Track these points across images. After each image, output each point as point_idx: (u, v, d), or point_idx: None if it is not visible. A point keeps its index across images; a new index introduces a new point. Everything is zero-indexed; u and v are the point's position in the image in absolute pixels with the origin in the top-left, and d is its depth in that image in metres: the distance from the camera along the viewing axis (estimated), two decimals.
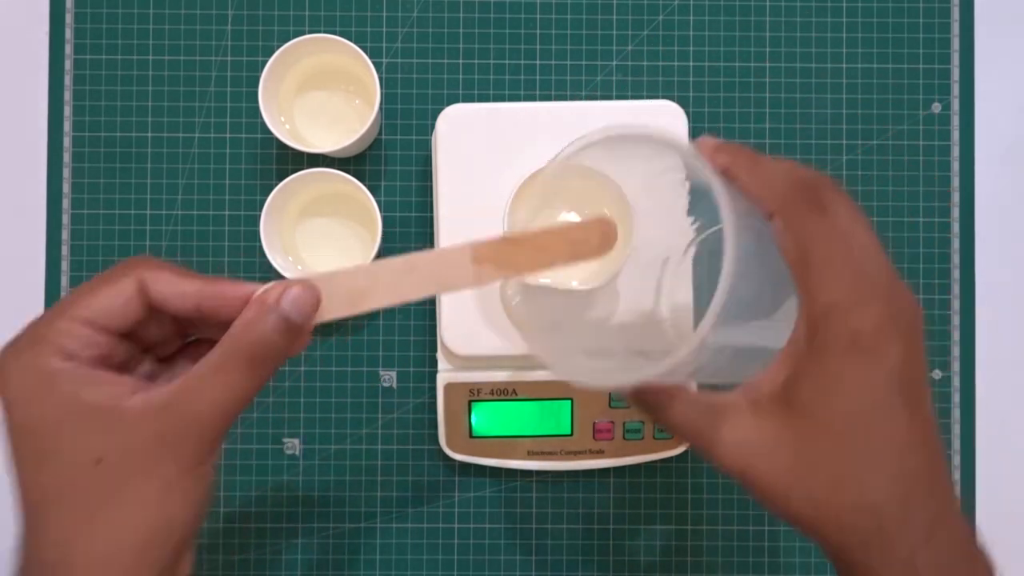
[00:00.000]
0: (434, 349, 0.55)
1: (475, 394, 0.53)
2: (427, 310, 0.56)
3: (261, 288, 0.33)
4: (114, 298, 0.32)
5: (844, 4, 0.57)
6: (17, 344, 0.34)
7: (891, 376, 0.30)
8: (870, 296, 0.29)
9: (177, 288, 0.33)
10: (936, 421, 0.32)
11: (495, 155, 0.52)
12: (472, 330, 0.52)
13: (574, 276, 0.50)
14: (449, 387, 0.53)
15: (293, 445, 0.56)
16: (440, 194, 0.52)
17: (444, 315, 0.52)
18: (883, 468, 0.30)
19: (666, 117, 0.52)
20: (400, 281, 0.33)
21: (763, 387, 0.31)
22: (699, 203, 0.39)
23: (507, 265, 0.33)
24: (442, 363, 0.54)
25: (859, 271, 0.30)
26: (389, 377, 0.56)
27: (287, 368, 0.56)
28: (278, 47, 0.51)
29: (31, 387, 0.32)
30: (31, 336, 0.34)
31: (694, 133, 0.56)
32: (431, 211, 0.55)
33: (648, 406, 0.33)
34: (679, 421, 0.32)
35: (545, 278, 0.47)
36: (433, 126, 0.54)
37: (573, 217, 0.50)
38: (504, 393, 0.53)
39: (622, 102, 0.54)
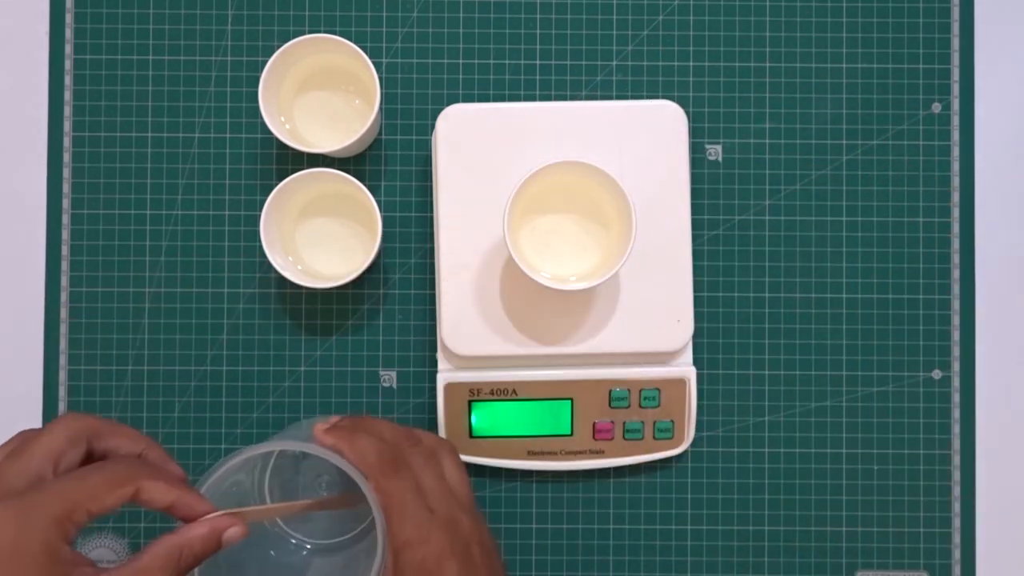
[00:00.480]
0: (434, 349, 0.55)
1: (475, 394, 0.53)
2: (427, 310, 0.56)
3: (213, 514, 0.39)
4: (114, 503, 0.38)
5: (844, 4, 0.57)
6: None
7: None
8: (431, 531, 0.41)
9: (164, 497, 0.39)
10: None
11: (495, 155, 0.52)
12: (472, 330, 0.52)
13: (573, 274, 0.50)
14: (449, 387, 0.53)
15: None
16: (440, 194, 0.52)
17: (444, 315, 0.52)
18: None
19: (666, 117, 0.52)
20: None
21: None
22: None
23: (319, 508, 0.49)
24: (442, 363, 0.54)
25: (423, 514, 0.41)
26: (389, 377, 0.56)
27: (287, 368, 0.56)
28: (278, 47, 0.51)
29: None
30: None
31: (694, 133, 0.56)
32: (431, 211, 0.55)
33: None
34: None
35: (546, 276, 0.48)
36: (433, 126, 0.54)
37: (567, 219, 0.51)
38: (504, 393, 0.53)
39: (622, 102, 0.54)
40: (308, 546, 0.54)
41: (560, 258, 0.51)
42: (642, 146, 0.52)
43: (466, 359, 0.53)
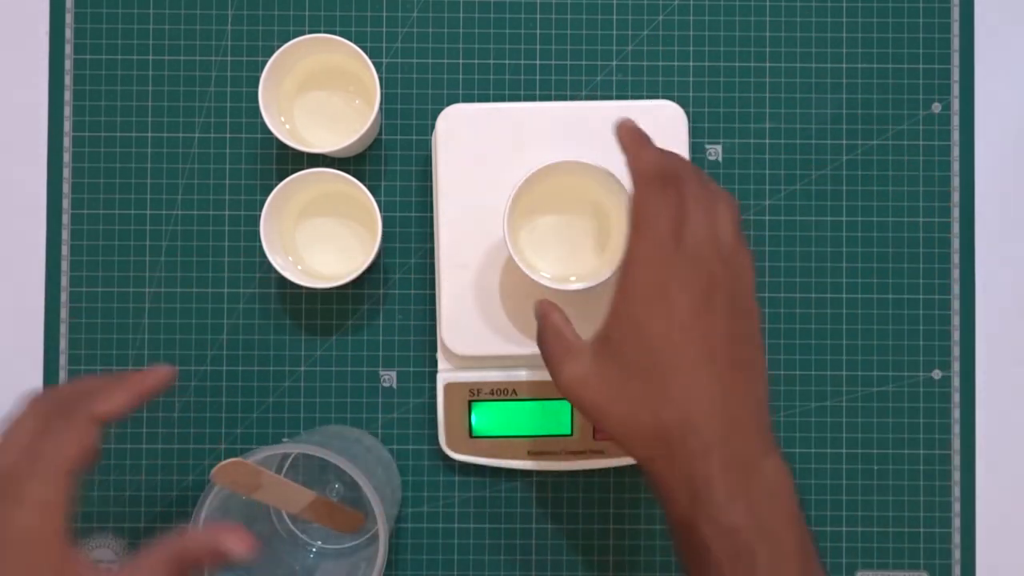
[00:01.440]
0: (434, 349, 0.55)
1: (475, 394, 0.53)
2: (427, 310, 0.56)
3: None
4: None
5: (844, 4, 0.57)
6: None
7: (679, 318, 0.37)
8: (670, 257, 0.38)
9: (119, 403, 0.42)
10: (752, 351, 0.40)
11: (495, 155, 0.52)
12: (472, 330, 0.52)
13: (573, 273, 0.50)
14: (449, 387, 0.53)
15: None
16: (440, 194, 0.52)
17: (444, 315, 0.52)
18: (669, 394, 0.37)
19: (666, 117, 0.52)
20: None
21: (599, 333, 0.39)
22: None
23: (324, 517, 0.50)
24: (442, 363, 0.54)
25: (668, 239, 0.38)
26: (389, 377, 0.56)
27: (287, 368, 0.56)
28: (278, 47, 0.51)
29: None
30: None
31: (694, 133, 0.56)
32: (431, 211, 0.55)
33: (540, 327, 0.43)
34: (543, 347, 0.42)
35: (546, 276, 0.48)
36: (433, 126, 0.54)
37: (567, 219, 0.51)
38: (504, 393, 0.53)
39: (622, 102, 0.54)
40: (315, 549, 0.54)
41: (560, 258, 0.51)
42: None
43: (466, 359, 0.53)
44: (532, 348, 0.51)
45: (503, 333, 0.52)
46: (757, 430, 0.39)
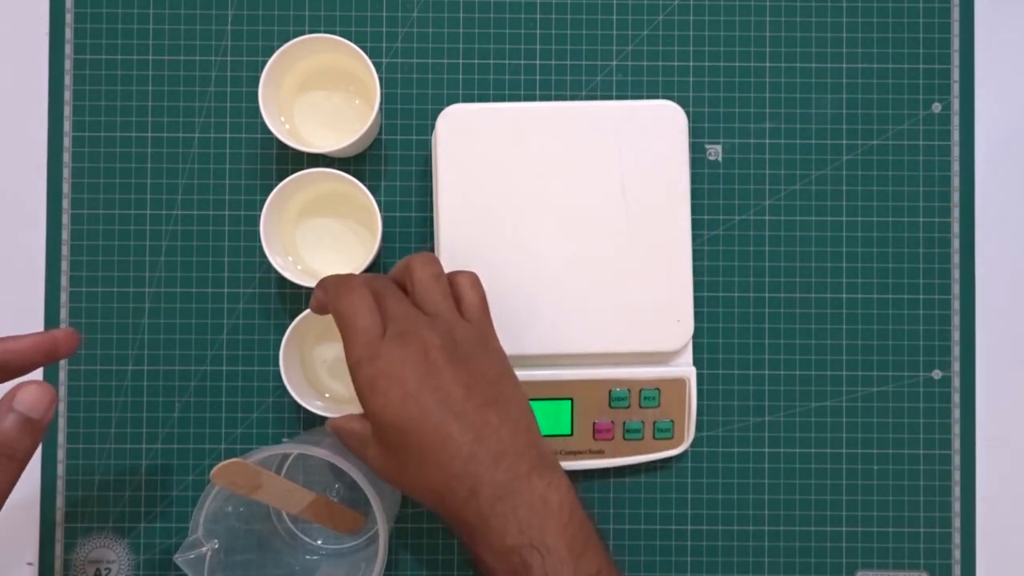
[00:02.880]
0: None
1: None
2: None
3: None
4: None
5: (844, 4, 0.57)
6: None
7: (407, 393, 0.41)
8: (380, 348, 0.41)
9: None
10: (499, 385, 0.44)
11: (495, 155, 0.52)
12: None
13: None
14: None
15: None
16: (440, 194, 0.52)
17: None
18: (430, 462, 0.41)
19: (666, 117, 0.52)
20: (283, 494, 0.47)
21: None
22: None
23: (324, 517, 0.51)
24: None
25: (372, 332, 0.42)
26: None
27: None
28: (278, 47, 0.51)
29: None
30: None
31: (694, 133, 0.56)
32: (431, 211, 0.55)
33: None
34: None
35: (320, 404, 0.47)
36: (433, 126, 0.54)
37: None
38: None
39: (622, 102, 0.54)
40: (315, 549, 0.54)
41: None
42: (642, 146, 0.52)
43: None
44: (531, 348, 0.51)
45: (503, 333, 0.52)
46: (522, 453, 0.42)
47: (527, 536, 0.40)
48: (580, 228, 0.52)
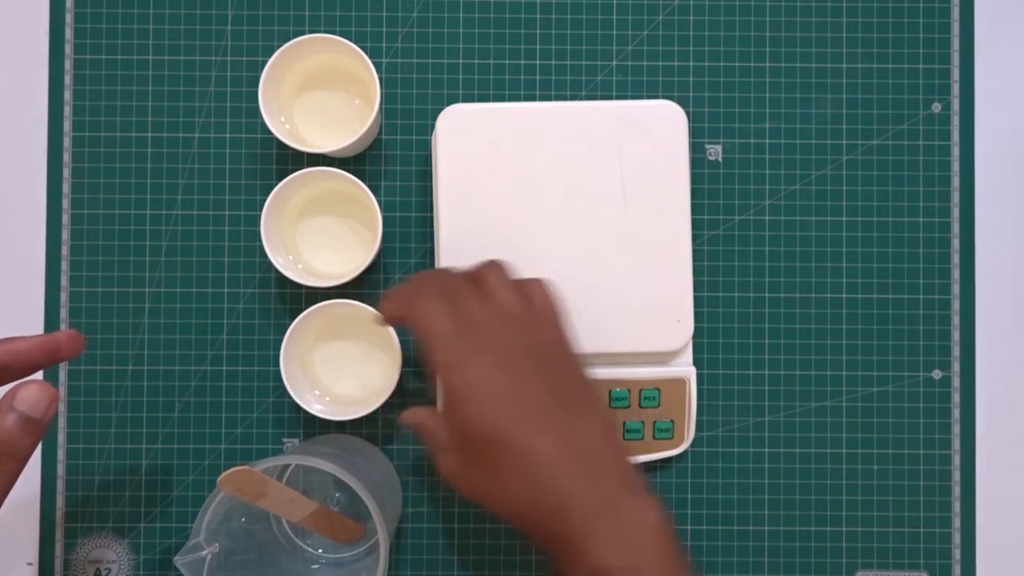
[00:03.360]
0: None
1: None
2: None
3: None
4: None
5: (844, 4, 0.57)
6: None
7: (494, 399, 0.39)
8: (466, 354, 0.40)
9: None
10: (584, 396, 0.42)
11: (495, 155, 0.52)
12: None
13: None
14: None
15: (293, 445, 0.56)
16: (440, 194, 0.52)
17: None
18: (519, 472, 0.39)
19: (666, 117, 0.52)
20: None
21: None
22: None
23: (325, 527, 0.50)
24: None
25: (456, 337, 0.41)
26: None
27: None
28: (278, 47, 0.51)
29: None
30: None
31: (694, 133, 0.56)
32: (431, 211, 0.55)
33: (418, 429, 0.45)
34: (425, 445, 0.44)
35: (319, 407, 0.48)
36: (433, 126, 0.54)
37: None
38: None
39: (622, 102, 0.54)
40: (315, 558, 0.54)
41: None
42: (642, 146, 0.52)
43: None
44: None
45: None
46: (614, 473, 0.40)
47: (625, 560, 0.38)
48: (580, 228, 0.52)
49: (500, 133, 0.52)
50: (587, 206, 0.52)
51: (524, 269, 0.51)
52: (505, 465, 0.39)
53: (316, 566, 0.54)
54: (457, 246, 0.52)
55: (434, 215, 0.53)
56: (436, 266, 0.53)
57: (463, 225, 0.52)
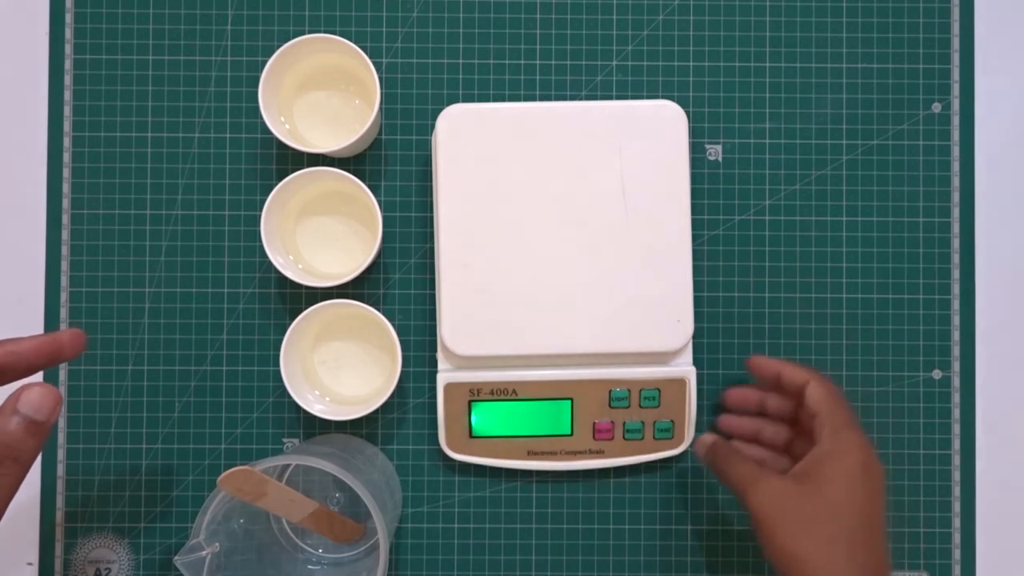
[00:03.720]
0: (434, 349, 0.55)
1: (475, 394, 0.53)
2: (427, 310, 0.56)
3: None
4: None
5: (844, 4, 0.57)
6: None
7: (860, 498, 0.45)
8: (865, 455, 0.47)
9: None
10: (883, 550, 0.45)
11: (495, 155, 0.52)
12: (472, 330, 0.52)
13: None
14: (449, 387, 0.53)
15: (293, 445, 0.56)
16: (440, 194, 0.52)
17: (444, 315, 0.52)
18: (837, 538, 0.44)
19: (666, 117, 0.52)
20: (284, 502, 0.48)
21: (795, 468, 0.47)
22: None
23: (325, 528, 0.51)
24: (442, 363, 0.54)
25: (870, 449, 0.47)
26: None
27: None
28: (278, 47, 0.51)
29: None
30: None
31: (694, 133, 0.56)
32: (431, 211, 0.55)
33: (716, 462, 0.50)
34: (726, 468, 0.49)
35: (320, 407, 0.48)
36: (433, 126, 0.54)
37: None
38: (504, 393, 0.53)
39: (622, 102, 0.54)
40: (314, 558, 0.54)
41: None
42: (642, 146, 0.52)
43: (466, 359, 0.53)
44: (532, 348, 0.51)
45: (503, 333, 0.52)
46: None
47: None
48: (580, 227, 0.52)
49: (500, 133, 0.52)
50: (587, 206, 0.52)
51: (524, 269, 0.51)
52: (846, 545, 0.45)
53: (316, 566, 0.54)
54: (457, 245, 0.52)
55: (434, 215, 0.53)
56: (437, 265, 0.53)
57: (463, 225, 0.52)
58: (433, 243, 0.54)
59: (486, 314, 0.52)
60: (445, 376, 0.53)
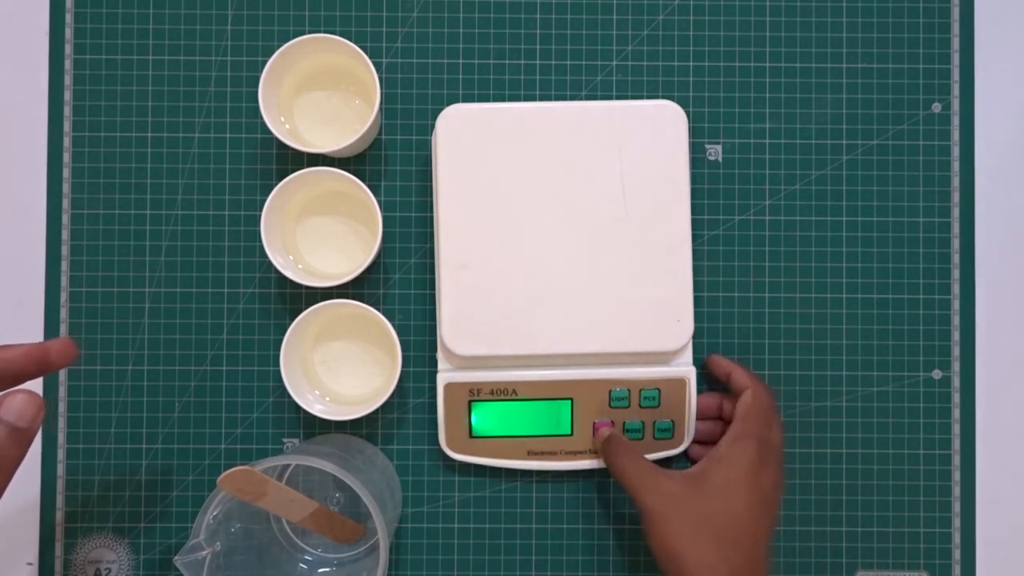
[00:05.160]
0: (434, 349, 0.55)
1: (475, 394, 0.53)
2: (427, 310, 0.56)
3: None
4: None
5: (844, 4, 0.57)
6: None
7: (740, 506, 0.47)
8: (776, 468, 0.50)
9: None
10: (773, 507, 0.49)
11: (495, 155, 0.52)
12: (472, 330, 0.52)
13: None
14: (449, 387, 0.53)
15: (293, 445, 0.56)
16: (440, 194, 0.52)
17: (444, 315, 0.52)
18: (732, 545, 0.46)
19: (666, 117, 0.52)
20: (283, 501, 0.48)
21: (689, 469, 0.50)
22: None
23: (325, 528, 0.51)
24: (442, 363, 0.54)
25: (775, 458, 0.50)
26: None
27: None
28: (278, 47, 0.51)
29: None
30: None
31: (695, 133, 0.56)
32: (431, 211, 0.55)
33: (608, 454, 0.51)
34: (618, 461, 0.50)
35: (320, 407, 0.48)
36: (433, 126, 0.54)
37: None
38: (504, 393, 0.53)
39: (622, 102, 0.54)
40: (314, 558, 0.54)
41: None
42: (642, 146, 0.52)
43: (466, 359, 0.53)
44: (532, 348, 0.51)
45: (503, 333, 0.52)
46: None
47: None
48: (580, 228, 0.52)
49: (499, 133, 0.52)
50: (587, 205, 0.52)
51: (524, 269, 0.51)
52: (732, 539, 0.47)
53: (316, 566, 0.54)
54: (457, 246, 0.52)
55: (434, 215, 0.53)
56: (437, 266, 0.53)
57: (463, 225, 0.52)
58: (433, 243, 0.54)
59: (486, 314, 0.52)
60: (445, 376, 0.53)
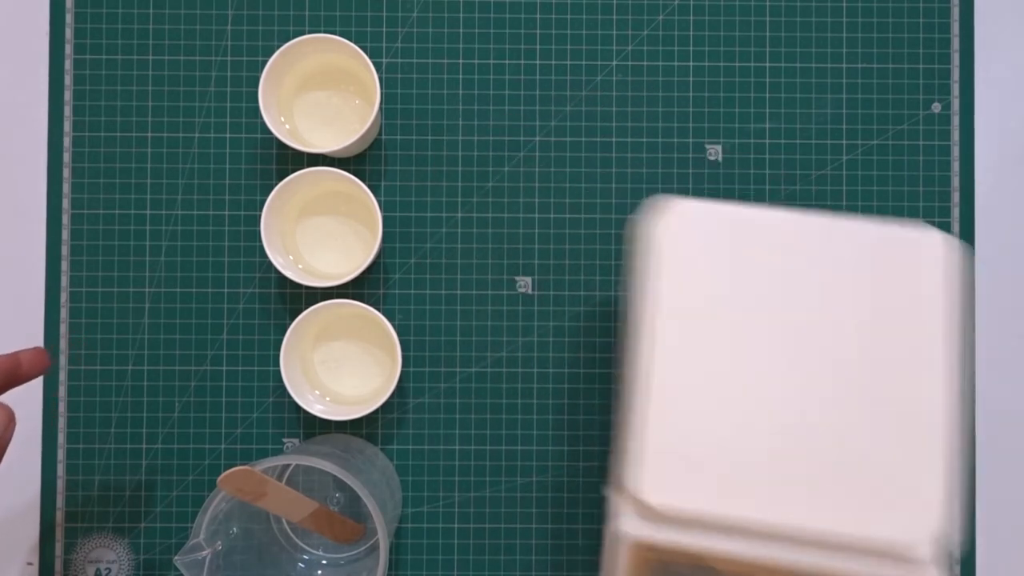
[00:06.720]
0: (434, 349, 0.55)
1: (667, 565, 0.40)
2: (427, 310, 0.56)
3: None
4: None
5: (844, 4, 0.57)
6: None
7: None
8: None
9: None
10: None
11: (724, 265, 0.42)
12: (683, 476, 0.39)
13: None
14: (636, 548, 0.39)
15: (293, 445, 0.56)
16: (661, 304, 0.41)
17: (648, 451, 0.39)
18: None
19: (930, 248, 0.41)
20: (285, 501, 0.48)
21: None
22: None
23: (325, 528, 0.51)
24: (623, 510, 0.40)
25: None
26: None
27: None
28: (278, 47, 0.51)
29: None
30: None
31: (694, 133, 0.56)
32: (431, 211, 0.55)
33: None
34: None
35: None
36: (435, 126, 0.54)
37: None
38: (703, 571, 0.40)
39: (875, 224, 0.42)
40: (314, 558, 0.54)
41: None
42: (897, 280, 0.41)
43: (659, 515, 0.39)
44: (751, 510, 0.39)
45: (723, 485, 0.39)
46: None
47: None
48: (810, 372, 0.40)
49: (731, 239, 0.42)
50: (820, 346, 0.40)
51: (755, 411, 0.40)
52: None
53: (316, 566, 0.54)
54: (677, 371, 0.41)
55: (635, 323, 0.42)
56: (638, 387, 0.41)
57: (685, 346, 0.41)
58: (433, 243, 0.54)
59: (701, 460, 0.39)
60: (631, 529, 0.39)
